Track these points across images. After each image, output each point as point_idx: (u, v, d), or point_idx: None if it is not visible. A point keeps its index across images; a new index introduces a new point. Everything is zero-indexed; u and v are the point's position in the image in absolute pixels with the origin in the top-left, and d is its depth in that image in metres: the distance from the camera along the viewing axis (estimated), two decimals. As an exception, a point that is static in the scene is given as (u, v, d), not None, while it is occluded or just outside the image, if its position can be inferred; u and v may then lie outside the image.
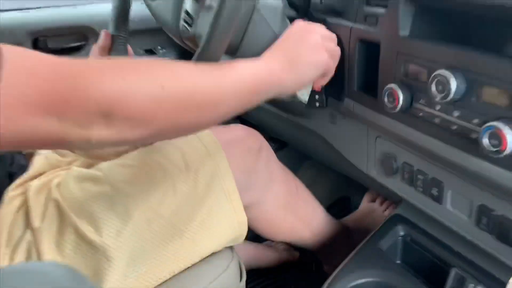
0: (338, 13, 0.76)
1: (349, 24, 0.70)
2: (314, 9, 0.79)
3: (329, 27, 0.72)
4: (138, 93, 0.44)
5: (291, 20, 0.76)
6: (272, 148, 0.91)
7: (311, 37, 0.59)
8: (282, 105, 1.03)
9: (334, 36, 0.65)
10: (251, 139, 0.86)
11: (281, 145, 1.39)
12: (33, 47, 1.11)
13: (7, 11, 1.17)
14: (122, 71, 0.44)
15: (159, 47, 1.35)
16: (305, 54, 0.58)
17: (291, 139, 1.26)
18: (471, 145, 0.54)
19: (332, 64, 0.63)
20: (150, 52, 1.33)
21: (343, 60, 0.71)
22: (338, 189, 1.38)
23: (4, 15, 1.13)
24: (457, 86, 0.53)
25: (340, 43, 0.71)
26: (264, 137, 0.90)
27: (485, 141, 0.50)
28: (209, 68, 0.51)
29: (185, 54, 1.25)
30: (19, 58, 0.39)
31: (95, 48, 0.77)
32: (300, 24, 0.62)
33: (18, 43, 1.02)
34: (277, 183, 0.90)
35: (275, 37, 0.72)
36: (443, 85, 0.53)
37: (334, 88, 0.75)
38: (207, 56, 0.55)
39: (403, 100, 0.60)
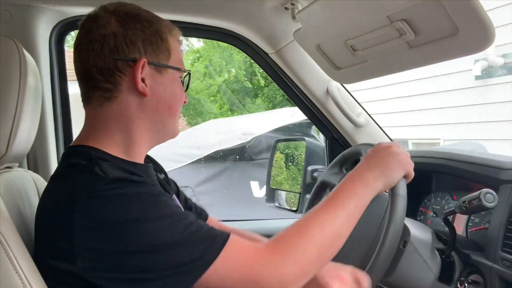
0: (479, 249, 0.96)
1: (488, 263, 0.89)
2: (459, 243, 0.99)
3: (473, 262, 0.91)
4: (306, 266, 0.70)
5: (440, 251, 0.97)
6: None
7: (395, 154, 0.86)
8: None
9: (407, 152, 0.88)
10: None
11: None
12: None
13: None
14: (288, 259, 0.69)
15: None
16: (393, 165, 0.85)
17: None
18: None
19: (410, 167, 0.87)
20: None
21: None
22: None
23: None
24: None
25: (483, 276, 0.89)
26: None
27: None
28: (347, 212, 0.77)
29: None
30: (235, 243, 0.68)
31: None
32: (384, 145, 0.88)
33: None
34: None
35: (425, 266, 0.94)
36: None
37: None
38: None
39: None
